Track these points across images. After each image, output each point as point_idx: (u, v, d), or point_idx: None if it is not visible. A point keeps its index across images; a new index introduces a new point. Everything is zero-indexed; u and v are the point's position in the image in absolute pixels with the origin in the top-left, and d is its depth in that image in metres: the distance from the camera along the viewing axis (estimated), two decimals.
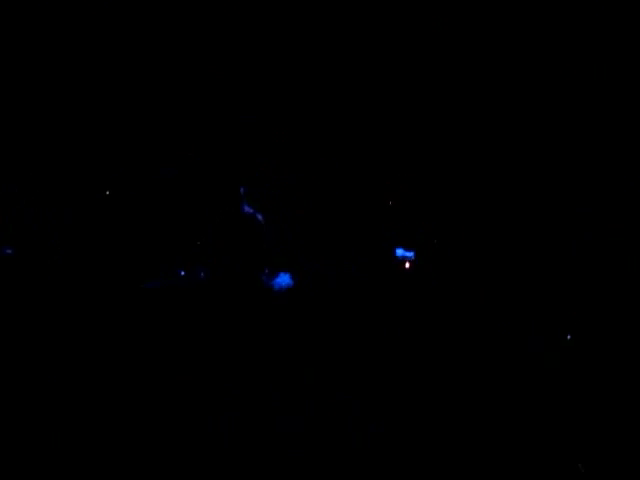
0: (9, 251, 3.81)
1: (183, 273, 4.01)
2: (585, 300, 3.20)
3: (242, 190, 4.24)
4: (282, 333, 3.58)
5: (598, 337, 2.84)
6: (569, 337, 2.91)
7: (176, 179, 4.25)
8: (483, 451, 2.07)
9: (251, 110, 4.43)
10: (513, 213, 3.83)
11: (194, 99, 4.42)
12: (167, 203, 4.28)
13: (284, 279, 3.87)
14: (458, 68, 4.18)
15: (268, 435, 2.40)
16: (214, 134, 4.52)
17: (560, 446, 2.03)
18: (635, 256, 3.47)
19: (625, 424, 2.18)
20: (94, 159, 4.20)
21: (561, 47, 4.07)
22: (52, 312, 3.57)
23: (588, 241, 3.58)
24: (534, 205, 3.85)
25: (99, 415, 2.65)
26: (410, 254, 3.79)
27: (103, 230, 4.02)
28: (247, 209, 4.20)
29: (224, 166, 4.40)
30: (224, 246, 4.03)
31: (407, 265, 3.72)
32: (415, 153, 4.01)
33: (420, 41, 4.23)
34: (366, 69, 4.28)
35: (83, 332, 3.49)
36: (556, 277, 3.41)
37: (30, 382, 2.93)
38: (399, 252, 3.83)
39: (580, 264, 3.46)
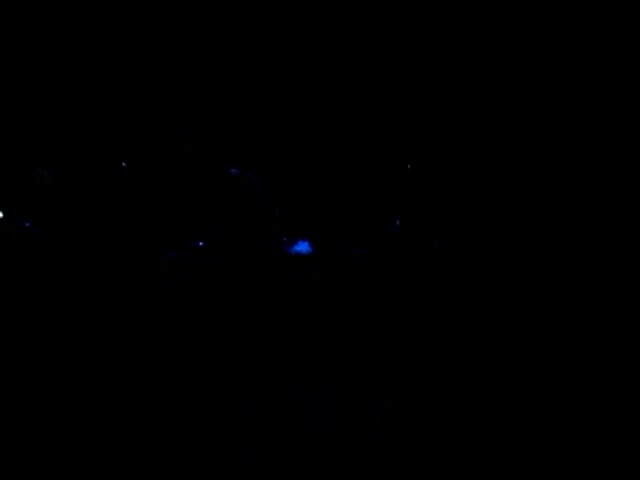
0: (28, 224, 3.82)
1: (202, 244, 4.02)
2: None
3: (261, 163, 4.25)
4: (300, 309, 3.59)
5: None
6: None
7: (193, 156, 4.26)
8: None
9: (271, 92, 4.45)
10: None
11: (209, 89, 4.43)
12: (184, 178, 4.28)
13: (303, 246, 3.88)
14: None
15: (289, 416, 2.42)
16: (234, 115, 4.53)
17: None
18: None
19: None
20: (109, 140, 4.20)
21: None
22: (71, 288, 3.58)
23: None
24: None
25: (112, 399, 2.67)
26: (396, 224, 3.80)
27: (125, 208, 4.03)
28: (263, 183, 4.21)
29: (241, 143, 4.42)
30: (243, 218, 4.04)
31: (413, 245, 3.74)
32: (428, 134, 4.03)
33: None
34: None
35: (99, 310, 3.50)
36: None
37: (49, 363, 2.95)
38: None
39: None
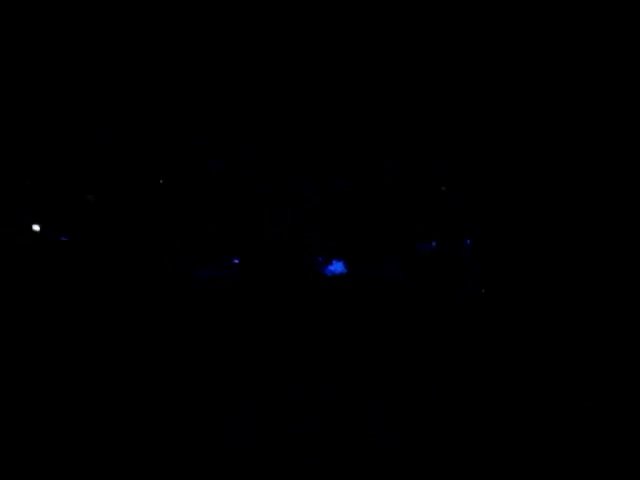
0: (64, 238, 3.87)
1: (237, 261, 4.04)
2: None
3: (297, 181, 4.27)
4: (333, 322, 3.58)
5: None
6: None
7: (227, 171, 4.29)
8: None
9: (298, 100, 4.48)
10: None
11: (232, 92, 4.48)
12: (219, 193, 4.31)
13: (337, 267, 3.88)
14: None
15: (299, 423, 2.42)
16: (263, 127, 4.57)
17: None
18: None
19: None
20: (136, 146, 4.25)
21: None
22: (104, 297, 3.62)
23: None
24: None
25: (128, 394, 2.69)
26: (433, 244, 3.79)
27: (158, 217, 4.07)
28: (298, 200, 4.23)
29: (279, 157, 4.44)
30: (278, 236, 4.05)
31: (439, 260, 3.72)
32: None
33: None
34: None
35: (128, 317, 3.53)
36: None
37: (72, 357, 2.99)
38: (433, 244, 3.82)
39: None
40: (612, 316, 3.04)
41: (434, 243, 3.82)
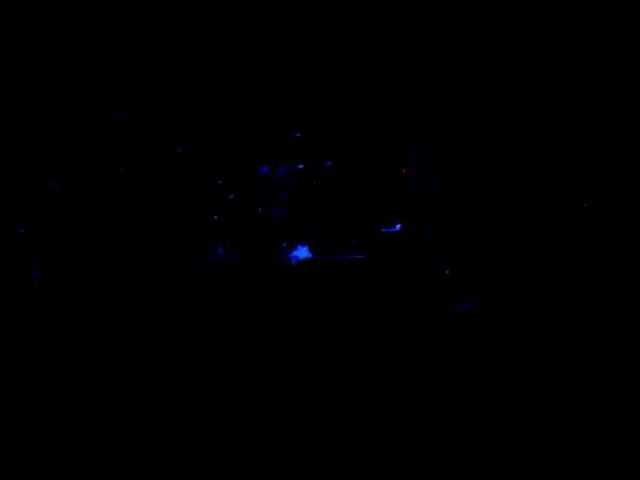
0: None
1: (220, 250, 4.03)
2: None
3: (263, 171, 4.26)
4: (299, 308, 3.57)
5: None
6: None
7: (194, 163, 4.28)
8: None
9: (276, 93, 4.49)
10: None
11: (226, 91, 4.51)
12: (184, 187, 4.31)
13: (302, 252, 3.86)
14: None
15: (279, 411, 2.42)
16: (236, 117, 4.58)
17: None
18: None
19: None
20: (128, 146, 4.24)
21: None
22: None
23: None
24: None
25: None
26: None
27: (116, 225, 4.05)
28: (264, 189, 4.22)
29: (246, 146, 4.44)
30: (243, 224, 4.04)
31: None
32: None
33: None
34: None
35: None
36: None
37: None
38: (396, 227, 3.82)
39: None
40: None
41: (398, 226, 3.81)
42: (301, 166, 4.19)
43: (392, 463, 2.06)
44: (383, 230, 3.82)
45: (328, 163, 4.14)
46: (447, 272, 3.61)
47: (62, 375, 2.86)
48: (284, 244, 3.94)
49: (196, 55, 4.58)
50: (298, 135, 4.18)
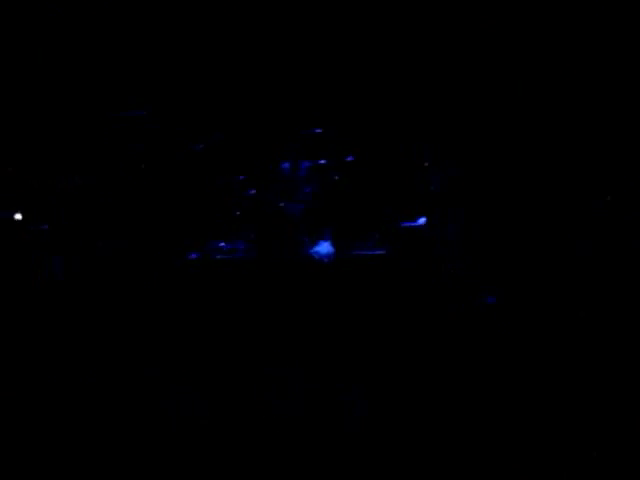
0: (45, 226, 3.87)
1: (223, 244, 4.03)
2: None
3: (285, 165, 4.26)
4: (320, 304, 3.56)
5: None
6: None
7: (211, 151, 4.28)
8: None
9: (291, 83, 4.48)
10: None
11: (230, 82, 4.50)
12: (202, 176, 4.31)
13: (324, 247, 3.85)
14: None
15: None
16: (253, 110, 4.56)
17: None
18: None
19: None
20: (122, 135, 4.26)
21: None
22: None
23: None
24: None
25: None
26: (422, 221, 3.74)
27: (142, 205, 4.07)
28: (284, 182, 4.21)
29: (264, 138, 4.43)
30: (263, 217, 4.04)
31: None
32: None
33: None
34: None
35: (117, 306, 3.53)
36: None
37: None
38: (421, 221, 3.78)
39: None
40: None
41: (420, 221, 3.79)
42: (323, 161, 4.18)
43: (395, 459, 2.05)
44: (405, 225, 3.80)
45: (350, 158, 4.14)
46: (467, 266, 3.58)
47: (63, 369, 2.88)
48: (305, 239, 3.94)
49: (215, 51, 4.60)
50: (319, 131, 4.19)
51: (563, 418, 2.12)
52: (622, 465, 1.81)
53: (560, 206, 3.79)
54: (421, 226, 3.81)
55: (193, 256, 4.06)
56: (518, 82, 4.10)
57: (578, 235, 3.63)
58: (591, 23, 4.05)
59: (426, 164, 3.68)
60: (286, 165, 4.27)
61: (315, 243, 3.92)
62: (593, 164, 3.91)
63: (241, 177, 4.22)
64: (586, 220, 3.71)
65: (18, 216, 3.68)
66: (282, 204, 4.02)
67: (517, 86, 4.10)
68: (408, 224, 3.81)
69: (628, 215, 3.68)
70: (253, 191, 4.08)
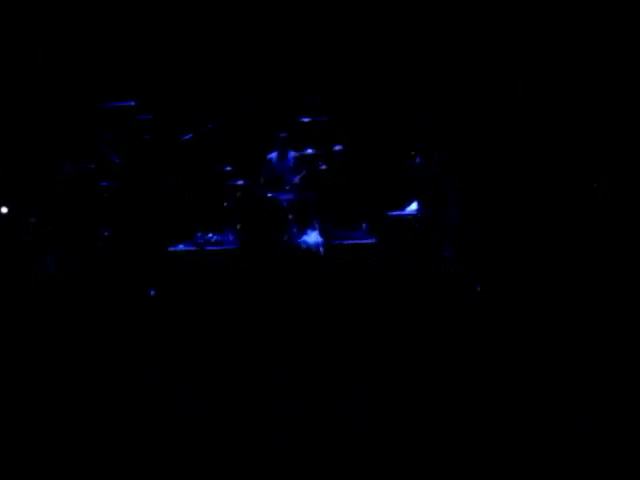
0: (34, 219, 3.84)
1: (212, 235, 4.02)
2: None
3: (273, 155, 4.25)
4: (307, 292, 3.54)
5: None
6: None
7: (204, 146, 4.27)
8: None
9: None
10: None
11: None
12: (193, 168, 4.30)
13: (312, 236, 3.84)
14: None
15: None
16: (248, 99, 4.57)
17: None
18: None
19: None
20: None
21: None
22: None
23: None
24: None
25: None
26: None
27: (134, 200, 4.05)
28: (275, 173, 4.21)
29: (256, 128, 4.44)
30: (253, 208, 4.02)
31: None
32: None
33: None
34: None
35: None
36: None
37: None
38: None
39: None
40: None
41: (409, 209, 3.78)
42: (310, 150, 4.16)
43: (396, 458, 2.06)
44: (393, 214, 3.79)
45: (338, 147, 4.11)
46: (459, 255, 3.57)
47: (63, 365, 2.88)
48: (294, 229, 3.93)
49: (205, 43, 4.57)
50: (307, 120, 4.16)
51: (559, 411, 2.15)
52: (621, 464, 1.83)
53: (558, 201, 3.80)
54: (410, 214, 3.81)
55: (182, 247, 4.05)
56: (514, 72, 4.10)
57: (575, 229, 3.64)
58: (591, 23, 4.04)
59: (413, 153, 3.66)
60: (274, 155, 4.25)
61: (303, 232, 3.91)
62: (589, 158, 3.91)
63: (228, 167, 4.20)
64: (584, 216, 3.71)
65: (4, 209, 3.67)
66: (270, 194, 4.01)
67: (512, 77, 4.10)
68: (397, 213, 3.80)
69: (628, 215, 3.68)
70: (240, 181, 4.06)
